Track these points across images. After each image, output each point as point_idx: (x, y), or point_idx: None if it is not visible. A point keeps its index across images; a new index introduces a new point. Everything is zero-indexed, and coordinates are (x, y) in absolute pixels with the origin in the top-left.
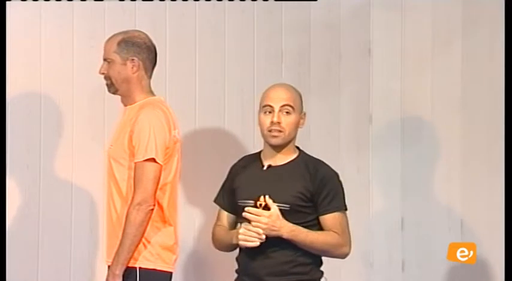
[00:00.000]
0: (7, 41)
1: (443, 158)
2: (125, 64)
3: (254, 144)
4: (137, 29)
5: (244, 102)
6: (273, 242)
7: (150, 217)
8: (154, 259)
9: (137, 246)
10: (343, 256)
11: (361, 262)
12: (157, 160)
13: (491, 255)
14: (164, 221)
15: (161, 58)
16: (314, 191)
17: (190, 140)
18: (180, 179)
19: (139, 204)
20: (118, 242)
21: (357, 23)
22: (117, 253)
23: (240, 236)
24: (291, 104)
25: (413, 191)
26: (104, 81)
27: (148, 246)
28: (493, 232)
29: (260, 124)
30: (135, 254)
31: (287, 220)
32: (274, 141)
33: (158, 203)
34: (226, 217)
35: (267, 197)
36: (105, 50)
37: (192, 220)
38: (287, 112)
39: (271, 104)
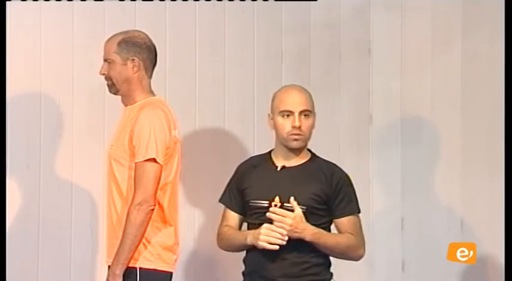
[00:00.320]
0: (7, 40)
1: (443, 158)
2: (126, 64)
3: (254, 144)
4: (137, 29)
5: (244, 102)
6: (286, 244)
7: (150, 217)
8: (155, 259)
9: (137, 246)
10: (358, 258)
11: (361, 262)
12: (157, 160)
13: (491, 255)
14: (164, 221)
15: (161, 58)
16: (330, 194)
17: (190, 140)
18: (180, 179)
19: (139, 204)
20: (118, 242)
21: (357, 23)
22: (117, 253)
23: (261, 237)
24: (309, 108)
25: (413, 191)
26: (104, 81)
27: (149, 246)
28: (493, 232)
29: (278, 128)
30: (136, 254)
31: None
32: (295, 144)
33: (158, 203)
34: (233, 217)
35: (291, 198)
36: (105, 51)
37: (192, 220)
38: (306, 115)
39: (291, 109)
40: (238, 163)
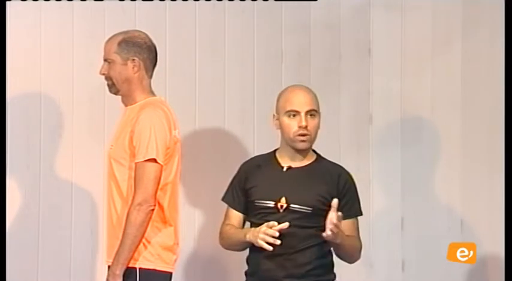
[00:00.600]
0: (7, 41)
1: (443, 158)
2: (126, 64)
3: (254, 144)
4: (137, 29)
5: (244, 102)
6: (291, 244)
7: (150, 217)
8: (155, 259)
9: (137, 246)
10: (355, 261)
11: (361, 262)
12: (158, 160)
13: (491, 255)
14: (164, 221)
15: (161, 58)
16: (336, 195)
17: (190, 140)
18: (180, 179)
19: (139, 204)
20: (118, 243)
21: (357, 23)
22: (117, 253)
23: (260, 235)
24: (316, 108)
25: (413, 191)
26: (104, 81)
27: (149, 246)
28: (493, 232)
29: (285, 128)
30: (135, 255)
31: (306, 223)
32: (302, 145)
33: (159, 204)
34: (236, 216)
35: (335, 200)
36: (105, 51)
37: (192, 220)
38: (312, 115)
39: (297, 109)
40: (239, 163)
